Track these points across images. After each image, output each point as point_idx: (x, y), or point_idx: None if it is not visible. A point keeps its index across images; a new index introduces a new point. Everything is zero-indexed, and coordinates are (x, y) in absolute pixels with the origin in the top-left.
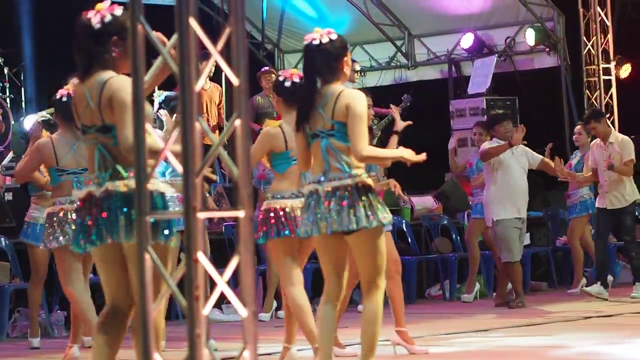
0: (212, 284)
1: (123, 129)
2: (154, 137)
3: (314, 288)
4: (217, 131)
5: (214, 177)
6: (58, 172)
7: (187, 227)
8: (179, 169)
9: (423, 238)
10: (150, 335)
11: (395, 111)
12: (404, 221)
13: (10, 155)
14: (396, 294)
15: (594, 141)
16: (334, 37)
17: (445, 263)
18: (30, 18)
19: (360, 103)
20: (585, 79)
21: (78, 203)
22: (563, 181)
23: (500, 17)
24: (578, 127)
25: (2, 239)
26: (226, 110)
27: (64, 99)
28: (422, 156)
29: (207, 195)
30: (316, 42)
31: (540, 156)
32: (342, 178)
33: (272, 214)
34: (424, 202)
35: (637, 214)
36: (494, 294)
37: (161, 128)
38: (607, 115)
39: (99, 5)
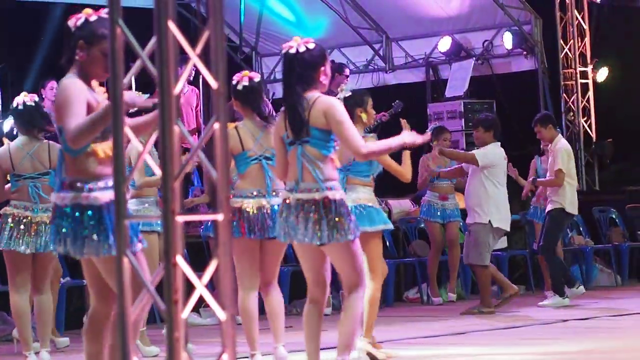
0: (190, 287)
1: (64, 126)
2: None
3: (292, 291)
4: (195, 134)
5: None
6: (15, 177)
7: (165, 231)
8: (158, 172)
9: (401, 241)
10: (129, 339)
11: (405, 126)
12: None
13: None
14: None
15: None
16: (311, 46)
17: (423, 266)
18: None
19: (337, 108)
20: (562, 82)
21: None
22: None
23: (478, 20)
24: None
25: None
26: (203, 114)
27: (20, 107)
28: (427, 136)
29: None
30: (293, 50)
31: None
32: (312, 190)
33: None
34: (402, 205)
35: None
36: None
37: None
38: (584, 119)
39: (85, 10)
